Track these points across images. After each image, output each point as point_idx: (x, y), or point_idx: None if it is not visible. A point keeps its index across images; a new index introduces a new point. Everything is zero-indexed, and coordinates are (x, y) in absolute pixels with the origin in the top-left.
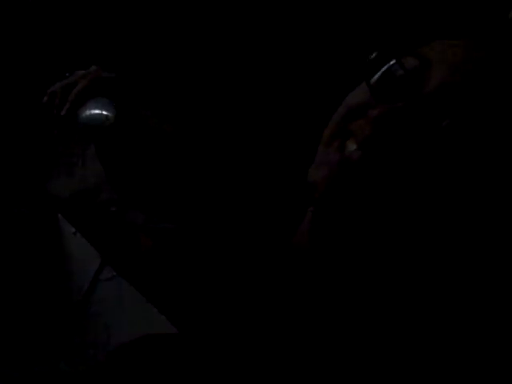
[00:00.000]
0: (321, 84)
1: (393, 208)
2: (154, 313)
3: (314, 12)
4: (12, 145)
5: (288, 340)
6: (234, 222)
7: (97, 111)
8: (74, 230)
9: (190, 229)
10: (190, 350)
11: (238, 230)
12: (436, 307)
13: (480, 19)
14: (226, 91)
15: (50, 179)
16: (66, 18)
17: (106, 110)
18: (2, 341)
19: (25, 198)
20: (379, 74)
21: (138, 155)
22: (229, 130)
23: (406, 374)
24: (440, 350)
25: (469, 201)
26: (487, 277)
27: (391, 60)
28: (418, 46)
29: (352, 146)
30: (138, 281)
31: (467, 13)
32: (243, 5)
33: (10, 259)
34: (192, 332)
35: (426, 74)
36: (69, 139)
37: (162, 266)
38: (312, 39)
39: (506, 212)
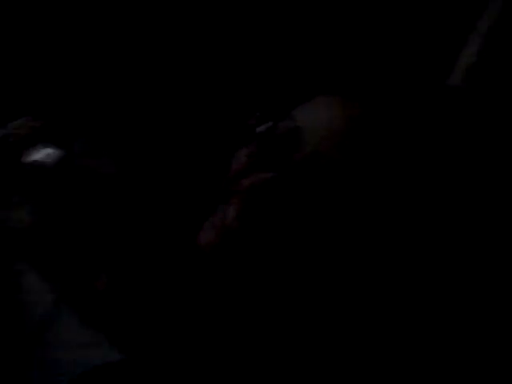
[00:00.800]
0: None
1: (274, 271)
2: (109, 349)
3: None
4: None
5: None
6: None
7: (41, 157)
8: (28, 264)
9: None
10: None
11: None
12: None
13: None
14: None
15: (2, 211)
16: None
17: (50, 156)
18: None
19: None
20: (256, 137)
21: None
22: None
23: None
24: (438, 350)
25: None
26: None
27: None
28: (296, 104)
29: (232, 213)
30: (92, 318)
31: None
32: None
33: None
34: (144, 361)
35: (298, 141)
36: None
37: (115, 307)
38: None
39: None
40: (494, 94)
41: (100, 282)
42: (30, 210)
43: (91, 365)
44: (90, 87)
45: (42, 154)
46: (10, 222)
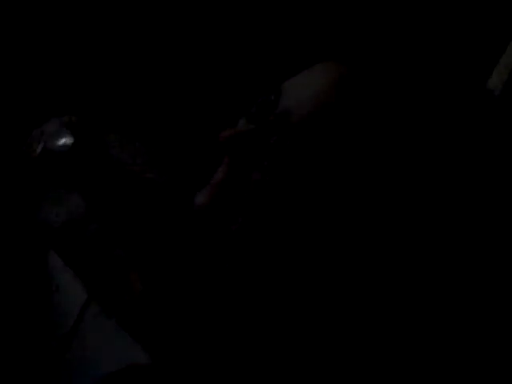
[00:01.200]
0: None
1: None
2: (138, 349)
3: None
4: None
5: None
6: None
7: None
8: (62, 262)
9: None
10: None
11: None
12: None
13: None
14: None
15: (39, 208)
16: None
17: (63, 138)
18: None
19: (13, 227)
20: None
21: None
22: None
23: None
24: (438, 351)
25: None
26: None
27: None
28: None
29: (219, 170)
30: (123, 318)
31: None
32: None
33: None
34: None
35: (278, 100)
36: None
37: (149, 309)
38: None
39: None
40: None
41: (134, 284)
42: (63, 206)
43: (119, 366)
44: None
45: (58, 142)
46: (44, 218)
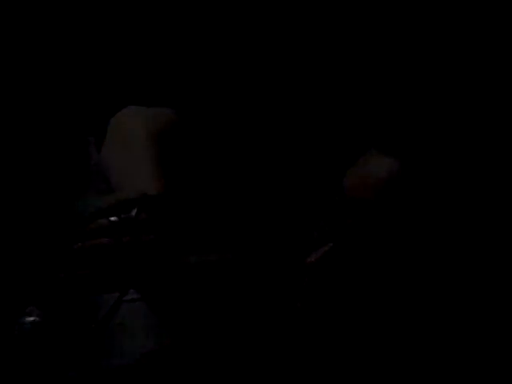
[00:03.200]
0: None
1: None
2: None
3: None
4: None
5: None
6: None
7: None
8: None
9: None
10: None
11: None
12: None
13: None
14: None
15: (83, 196)
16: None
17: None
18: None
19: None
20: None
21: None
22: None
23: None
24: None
25: None
26: None
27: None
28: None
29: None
30: (158, 305)
31: None
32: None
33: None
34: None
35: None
36: None
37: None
38: None
39: None
40: None
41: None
42: None
43: (148, 349)
44: None
45: None
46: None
